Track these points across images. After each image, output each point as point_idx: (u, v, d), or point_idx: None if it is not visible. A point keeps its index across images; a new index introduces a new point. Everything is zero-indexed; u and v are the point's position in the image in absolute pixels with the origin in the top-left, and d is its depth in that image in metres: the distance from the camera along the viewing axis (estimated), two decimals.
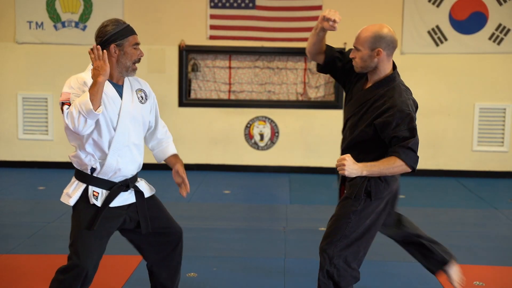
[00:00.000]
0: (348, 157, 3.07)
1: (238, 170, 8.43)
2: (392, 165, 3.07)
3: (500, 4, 8.03)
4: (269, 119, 8.39)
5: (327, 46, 3.43)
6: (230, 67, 8.40)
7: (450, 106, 8.27)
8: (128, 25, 3.17)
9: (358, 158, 3.14)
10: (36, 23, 8.23)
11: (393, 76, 3.19)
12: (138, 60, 3.19)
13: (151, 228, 3.30)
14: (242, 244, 5.14)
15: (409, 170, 3.12)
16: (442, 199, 7.12)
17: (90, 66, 3.12)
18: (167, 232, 3.40)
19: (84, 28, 8.20)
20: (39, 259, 4.58)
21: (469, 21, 8.08)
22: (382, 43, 3.10)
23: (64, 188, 3.26)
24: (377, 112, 3.14)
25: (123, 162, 3.20)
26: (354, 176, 3.09)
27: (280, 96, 8.43)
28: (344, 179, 3.41)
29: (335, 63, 3.41)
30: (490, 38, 8.08)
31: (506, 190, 7.64)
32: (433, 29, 8.10)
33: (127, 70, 3.17)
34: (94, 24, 8.17)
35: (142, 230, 3.27)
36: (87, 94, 2.97)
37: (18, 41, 8.26)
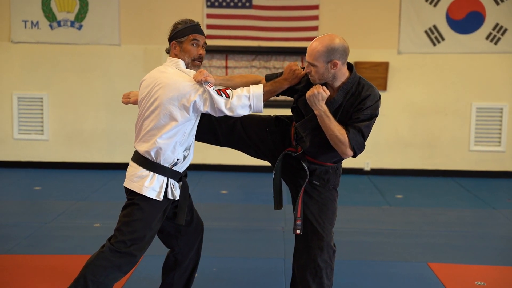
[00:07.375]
0: (324, 89, 3.06)
1: (236, 170, 8.40)
2: (339, 134, 3.07)
3: (497, 3, 8.03)
4: None
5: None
6: (226, 67, 8.37)
7: (447, 105, 8.27)
8: (193, 25, 3.21)
9: (320, 153, 3.25)
10: (32, 22, 8.17)
11: (355, 76, 3.20)
12: (199, 58, 3.22)
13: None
14: (241, 245, 5.11)
15: (350, 152, 3.12)
16: (440, 199, 7.11)
17: (169, 63, 3.21)
18: (195, 220, 3.48)
19: (79, 28, 8.15)
20: (36, 260, 4.54)
21: (466, 21, 8.09)
22: (336, 55, 3.06)
23: (130, 176, 3.16)
24: (353, 108, 3.14)
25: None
26: (313, 104, 3.07)
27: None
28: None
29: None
30: (487, 38, 8.09)
31: (504, 190, 7.64)
32: (430, 29, 8.09)
33: (187, 66, 3.22)
34: (89, 23, 8.13)
35: (178, 221, 3.29)
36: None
37: (13, 41, 8.21)
